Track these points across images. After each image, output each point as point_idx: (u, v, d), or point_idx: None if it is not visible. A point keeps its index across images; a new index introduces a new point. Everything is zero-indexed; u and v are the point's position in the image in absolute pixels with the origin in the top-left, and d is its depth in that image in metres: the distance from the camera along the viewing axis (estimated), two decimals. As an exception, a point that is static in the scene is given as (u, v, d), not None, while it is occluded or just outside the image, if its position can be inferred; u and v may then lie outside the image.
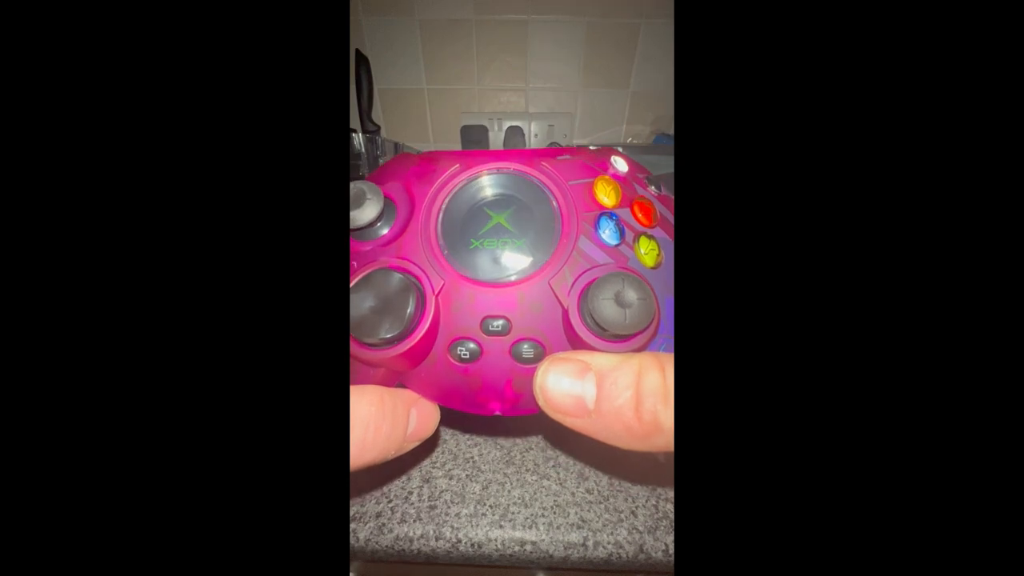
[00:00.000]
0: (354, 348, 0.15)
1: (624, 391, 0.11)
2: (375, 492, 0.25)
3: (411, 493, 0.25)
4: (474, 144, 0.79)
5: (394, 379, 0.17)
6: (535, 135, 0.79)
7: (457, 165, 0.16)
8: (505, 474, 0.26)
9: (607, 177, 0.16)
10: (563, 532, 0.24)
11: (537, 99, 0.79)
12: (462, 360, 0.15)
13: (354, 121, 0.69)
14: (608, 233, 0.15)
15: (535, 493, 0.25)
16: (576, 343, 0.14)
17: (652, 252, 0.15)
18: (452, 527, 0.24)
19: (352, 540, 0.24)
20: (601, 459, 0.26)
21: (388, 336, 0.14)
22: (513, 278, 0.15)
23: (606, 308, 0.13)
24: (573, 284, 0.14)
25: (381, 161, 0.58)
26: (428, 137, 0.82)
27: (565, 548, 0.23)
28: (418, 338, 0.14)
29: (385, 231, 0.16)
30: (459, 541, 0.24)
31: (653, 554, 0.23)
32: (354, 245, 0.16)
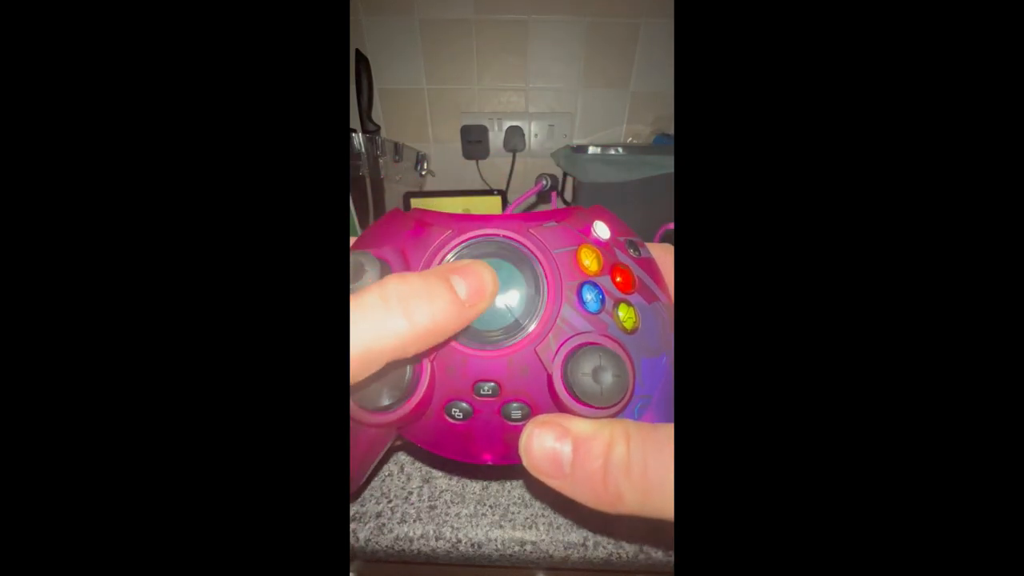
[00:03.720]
0: (353, 412, 0.16)
1: (595, 460, 0.13)
2: (375, 492, 0.25)
3: (411, 493, 0.25)
4: (474, 144, 0.79)
5: (391, 433, 0.18)
6: (535, 135, 0.79)
7: (450, 231, 0.17)
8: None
9: (590, 244, 0.17)
10: (563, 532, 0.24)
11: (537, 99, 0.79)
12: (455, 419, 0.16)
13: (354, 121, 0.69)
14: (590, 300, 0.16)
15: (535, 493, 0.25)
16: (559, 405, 0.15)
17: (630, 319, 0.17)
18: (452, 527, 0.24)
19: (352, 540, 0.24)
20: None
21: (387, 404, 0.15)
22: (502, 344, 0.16)
23: (584, 383, 0.14)
24: (557, 351, 0.16)
25: (381, 161, 0.58)
26: (428, 137, 0.82)
27: (565, 548, 0.23)
28: (414, 403, 0.15)
29: None
30: (459, 541, 0.24)
31: (653, 554, 0.23)
32: None
